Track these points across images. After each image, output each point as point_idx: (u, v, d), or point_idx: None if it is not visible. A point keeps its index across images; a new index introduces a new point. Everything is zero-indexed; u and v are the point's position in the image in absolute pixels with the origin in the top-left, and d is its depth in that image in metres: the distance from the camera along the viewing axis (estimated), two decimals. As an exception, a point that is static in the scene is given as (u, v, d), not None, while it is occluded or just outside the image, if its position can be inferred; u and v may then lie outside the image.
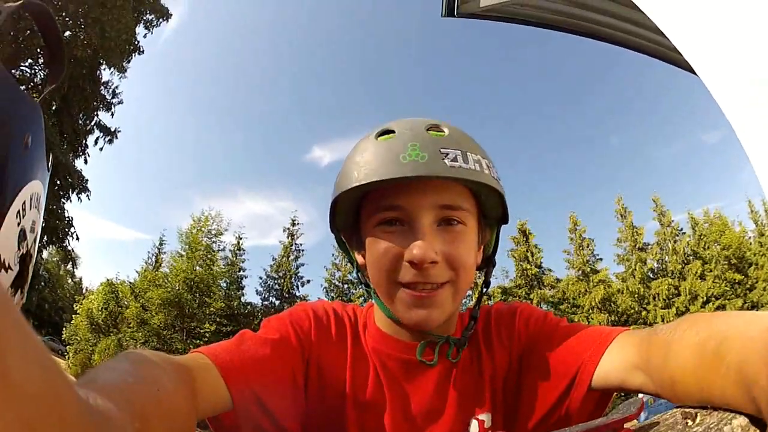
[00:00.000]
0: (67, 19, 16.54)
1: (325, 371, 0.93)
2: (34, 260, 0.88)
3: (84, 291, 42.22)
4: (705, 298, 24.76)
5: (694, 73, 2.41)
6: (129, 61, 19.87)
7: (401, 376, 0.93)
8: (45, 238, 16.24)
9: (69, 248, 18.40)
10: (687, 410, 0.57)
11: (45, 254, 27.95)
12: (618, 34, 5.37)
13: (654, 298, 26.11)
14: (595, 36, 5.55)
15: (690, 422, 0.54)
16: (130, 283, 27.26)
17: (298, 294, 27.82)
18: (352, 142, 0.94)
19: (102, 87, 19.46)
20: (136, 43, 19.66)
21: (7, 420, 0.22)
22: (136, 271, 28.55)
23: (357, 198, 0.92)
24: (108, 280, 27.85)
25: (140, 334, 24.35)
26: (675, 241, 27.37)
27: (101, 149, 19.79)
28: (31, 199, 0.80)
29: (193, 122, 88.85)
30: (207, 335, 24.44)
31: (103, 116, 19.94)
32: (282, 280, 27.85)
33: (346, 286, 27.32)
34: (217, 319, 25.58)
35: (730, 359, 0.51)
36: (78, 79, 17.44)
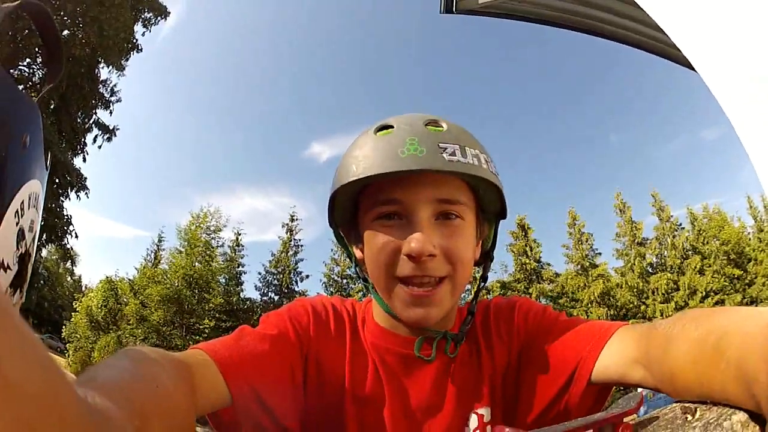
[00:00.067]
0: (66, 18, 16.51)
1: (324, 366, 0.93)
2: (32, 259, 0.88)
3: (83, 289, 42.16)
4: (704, 293, 24.78)
5: (694, 69, 2.41)
6: (127, 60, 19.85)
7: (400, 370, 0.93)
8: (44, 236, 16.25)
9: (68, 246, 18.44)
10: (686, 405, 0.57)
11: (44, 252, 27.92)
12: (617, 31, 5.36)
13: (653, 292, 26.13)
14: (594, 33, 5.54)
15: (689, 417, 0.55)
16: (130, 280, 27.29)
17: (297, 289, 27.86)
18: (350, 138, 0.94)
19: (100, 85, 19.43)
20: (135, 41, 19.63)
21: (6, 420, 0.22)
22: (135, 268, 28.60)
23: (355, 192, 0.92)
24: (107, 277, 27.89)
25: (140, 330, 24.38)
26: (674, 236, 27.38)
27: (100, 147, 19.81)
28: (29, 198, 0.80)
29: (191, 119, 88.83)
30: (206, 331, 24.48)
31: (102, 114, 19.96)
32: (281, 276, 27.88)
33: (345, 281, 27.34)
34: (217, 315, 25.61)
35: (730, 354, 0.51)
36: (76, 78, 17.42)
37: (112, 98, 19.99)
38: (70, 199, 17.66)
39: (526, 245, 28.19)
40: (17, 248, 0.78)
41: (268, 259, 28.63)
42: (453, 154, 0.81)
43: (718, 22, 2.25)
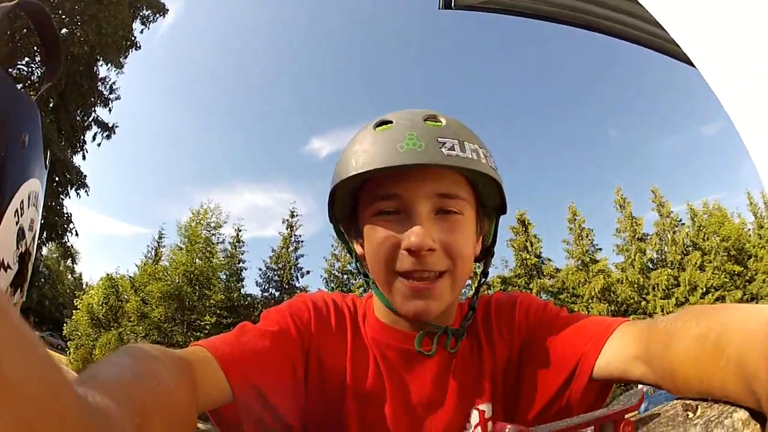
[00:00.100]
0: (64, 16, 16.50)
1: (325, 362, 0.93)
2: (33, 258, 0.87)
3: (84, 286, 42.23)
4: (704, 289, 24.78)
5: (693, 65, 2.40)
6: (126, 57, 19.83)
7: (401, 366, 0.93)
8: (44, 234, 16.25)
9: (68, 244, 18.42)
10: (688, 402, 0.57)
11: (44, 251, 27.95)
12: (616, 26, 5.36)
13: (653, 288, 26.13)
14: (593, 28, 5.53)
15: (691, 414, 0.55)
16: (130, 277, 27.21)
17: (297, 285, 27.75)
18: (350, 134, 0.94)
19: (99, 83, 19.43)
20: (133, 38, 19.63)
21: (6, 420, 0.21)
22: (136, 265, 28.50)
23: (355, 188, 0.93)
24: (108, 274, 27.81)
25: (141, 327, 24.33)
26: (674, 232, 27.37)
27: (99, 145, 19.78)
28: (29, 197, 0.80)
29: (190, 116, 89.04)
30: (207, 327, 24.41)
31: (101, 112, 19.93)
32: (281, 272, 27.77)
33: (345, 276, 27.24)
34: (217, 311, 25.53)
35: (730, 351, 0.52)
36: (75, 76, 17.41)
37: (111, 96, 19.99)
38: (70, 197, 17.68)
39: (526, 240, 28.15)
40: (17, 247, 0.78)
41: (268, 255, 28.51)
42: (452, 148, 0.82)
43: (718, 17, 2.25)
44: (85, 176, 18.07)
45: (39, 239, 0.95)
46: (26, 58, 15.69)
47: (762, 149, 1.95)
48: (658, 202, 28.57)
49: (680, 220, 28.12)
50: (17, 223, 0.77)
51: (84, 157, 19.04)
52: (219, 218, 27.76)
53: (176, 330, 24.53)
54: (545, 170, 63.25)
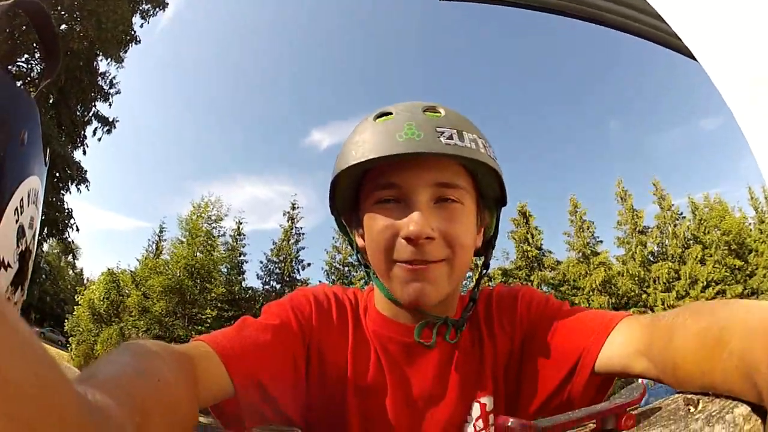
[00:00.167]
0: (63, 12, 16.43)
1: (327, 356, 0.93)
2: (33, 256, 0.88)
3: (85, 282, 42.17)
4: (705, 282, 24.74)
5: (694, 59, 2.40)
6: (126, 52, 19.72)
7: (402, 359, 0.94)
8: (45, 230, 16.24)
9: (69, 240, 18.38)
10: (689, 397, 0.57)
11: (45, 247, 27.86)
12: (617, 19, 5.33)
13: (654, 281, 26.12)
14: (594, 20, 5.51)
15: (692, 409, 0.55)
16: (131, 271, 27.16)
17: (298, 277, 27.71)
18: (350, 125, 0.94)
19: (99, 78, 19.32)
20: (133, 33, 19.53)
21: (5, 420, 0.21)
22: (137, 260, 28.42)
23: (356, 178, 0.93)
24: (109, 269, 27.74)
25: (142, 322, 24.31)
26: (675, 225, 27.33)
27: (99, 140, 19.71)
28: (29, 195, 0.80)
29: (190, 110, 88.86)
30: (208, 321, 24.40)
31: (101, 107, 19.83)
32: (282, 264, 27.72)
33: (346, 268, 27.18)
34: (219, 305, 25.50)
35: (732, 346, 0.52)
36: (75, 71, 17.34)
37: (111, 90, 19.87)
38: (70, 192, 17.62)
39: (527, 232, 28.08)
40: (17, 246, 0.78)
41: (269, 247, 28.47)
42: (450, 137, 0.82)
43: (720, 11, 2.24)
44: (86, 171, 18.01)
45: (40, 235, 0.95)
46: (25, 55, 15.64)
47: (763, 144, 1.94)
48: (659, 195, 28.52)
49: (681, 214, 28.07)
50: (17, 222, 0.77)
51: (84, 152, 18.96)
52: (220, 211, 27.71)
53: (177, 324, 24.52)
54: (546, 162, 63.35)
